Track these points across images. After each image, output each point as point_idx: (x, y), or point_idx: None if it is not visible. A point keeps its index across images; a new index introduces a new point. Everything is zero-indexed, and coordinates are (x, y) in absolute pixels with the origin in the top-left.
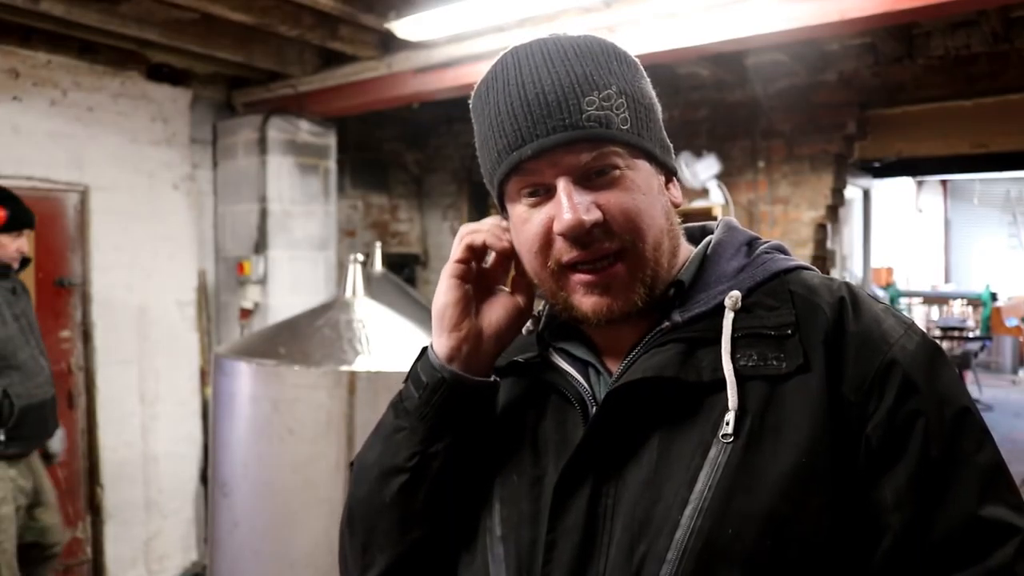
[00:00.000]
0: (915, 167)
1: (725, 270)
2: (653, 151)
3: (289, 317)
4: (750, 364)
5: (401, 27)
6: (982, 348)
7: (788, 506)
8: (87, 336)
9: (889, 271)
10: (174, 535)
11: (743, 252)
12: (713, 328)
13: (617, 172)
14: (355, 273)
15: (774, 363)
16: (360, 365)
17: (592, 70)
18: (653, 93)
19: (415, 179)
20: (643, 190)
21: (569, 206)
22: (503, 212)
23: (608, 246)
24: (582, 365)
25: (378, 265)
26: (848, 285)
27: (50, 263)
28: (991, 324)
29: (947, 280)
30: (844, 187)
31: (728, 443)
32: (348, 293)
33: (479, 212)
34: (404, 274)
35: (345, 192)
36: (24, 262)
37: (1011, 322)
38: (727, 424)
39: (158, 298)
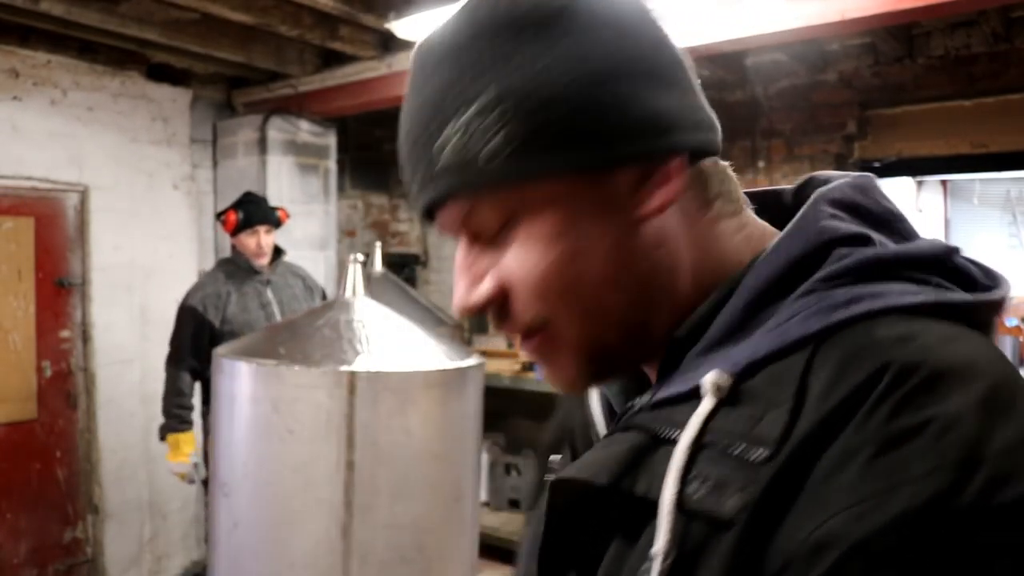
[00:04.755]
0: (915, 167)
1: (744, 321)
2: (568, 164)
3: (288, 316)
4: (696, 495)
5: (401, 27)
6: None
7: None
8: (87, 336)
9: None
10: (174, 535)
11: (806, 282)
12: (686, 420)
13: (509, 225)
14: (355, 273)
15: (729, 502)
16: (360, 365)
17: (456, 78)
18: (618, 46)
19: None
20: (552, 239)
21: (457, 284)
22: None
23: (523, 320)
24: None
25: (378, 265)
26: (925, 363)
27: (50, 263)
28: None
29: None
30: None
31: None
32: (348, 293)
33: None
34: (404, 274)
35: (345, 192)
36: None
37: (1011, 322)
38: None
39: (158, 298)
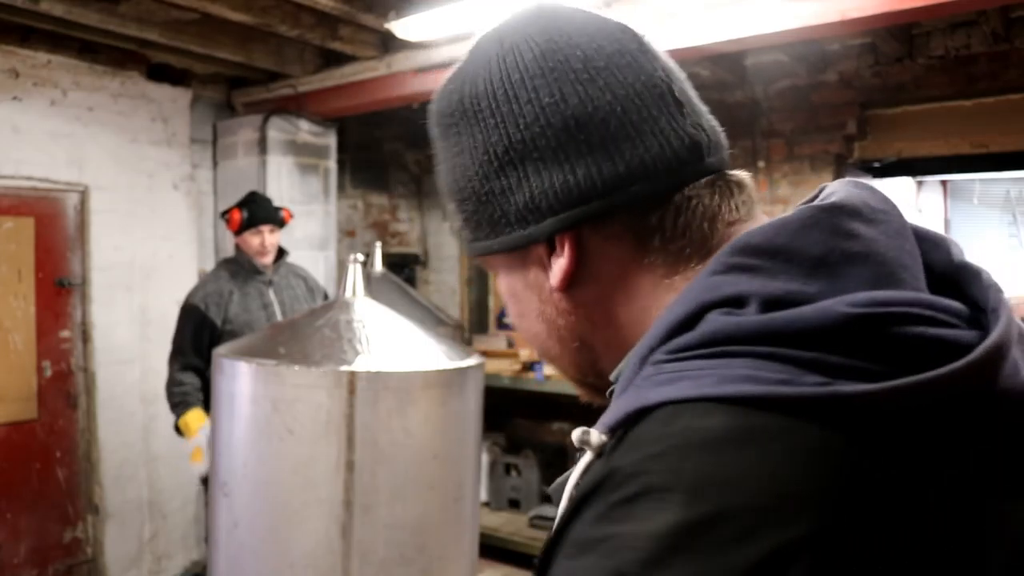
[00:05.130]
0: (915, 167)
1: (632, 376)
2: (491, 248)
3: (289, 317)
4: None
5: (401, 27)
6: None
7: None
8: (87, 336)
9: None
10: (174, 535)
11: (657, 351)
12: None
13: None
14: (355, 273)
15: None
16: (360, 365)
17: (440, 167)
18: (503, 132)
19: (415, 179)
20: (509, 299)
21: None
22: None
23: None
24: None
25: (378, 265)
26: (645, 475)
27: (50, 263)
28: None
29: None
30: None
31: None
32: (348, 293)
33: None
34: (404, 274)
35: (345, 192)
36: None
37: None
38: None
39: (158, 298)
